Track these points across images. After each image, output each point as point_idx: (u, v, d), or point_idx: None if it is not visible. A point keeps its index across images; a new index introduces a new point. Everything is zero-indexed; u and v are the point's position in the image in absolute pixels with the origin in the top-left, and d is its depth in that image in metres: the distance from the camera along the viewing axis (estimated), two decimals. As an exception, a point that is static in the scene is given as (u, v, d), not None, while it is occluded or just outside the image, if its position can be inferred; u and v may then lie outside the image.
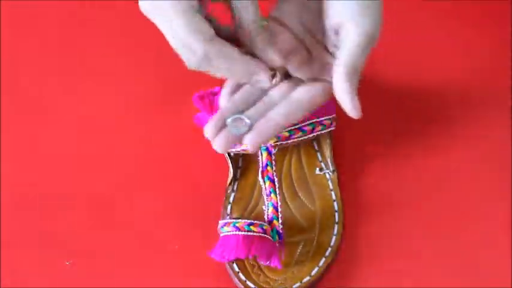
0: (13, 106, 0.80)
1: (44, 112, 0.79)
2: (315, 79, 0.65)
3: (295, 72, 0.66)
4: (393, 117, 0.77)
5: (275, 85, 0.64)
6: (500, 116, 0.78)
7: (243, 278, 0.69)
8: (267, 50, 0.62)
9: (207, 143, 0.72)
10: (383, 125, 0.77)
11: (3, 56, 0.83)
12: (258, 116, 0.64)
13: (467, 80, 0.80)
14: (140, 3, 0.60)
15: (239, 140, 0.63)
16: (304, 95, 0.65)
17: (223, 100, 0.65)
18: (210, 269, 0.70)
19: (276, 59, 0.63)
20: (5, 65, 0.82)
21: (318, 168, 0.74)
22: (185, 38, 0.60)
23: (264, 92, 0.65)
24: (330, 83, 0.64)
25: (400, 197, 0.74)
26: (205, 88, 0.75)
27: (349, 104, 0.62)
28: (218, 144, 0.63)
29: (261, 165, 0.73)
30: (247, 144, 0.63)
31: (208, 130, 0.63)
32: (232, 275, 0.69)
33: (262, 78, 0.63)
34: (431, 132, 0.76)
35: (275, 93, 0.65)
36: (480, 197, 0.73)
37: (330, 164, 0.74)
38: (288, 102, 0.64)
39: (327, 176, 0.73)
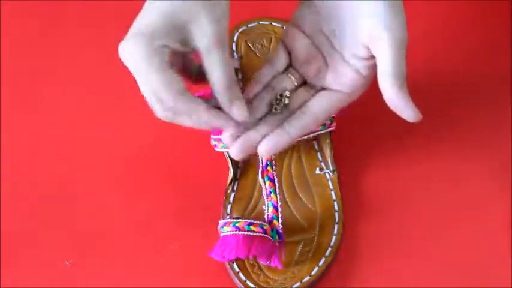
0: (13, 106, 0.80)
1: (43, 112, 0.79)
2: (330, 89, 0.67)
3: (311, 80, 0.68)
4: (393, 117, 0.76)
5: (281, 111, 0.66)
6: (500, 116, 0.77)
7: (243, 277, 0.69)
8: (232, 108, 0.63)
9: (207, 143, 0.72)
10: (383, 125, 0.77)
11: (3, 56, 0.83)
12: (274, 125, 0.66)
13: (467, 81, 0.80)
14: (119, 50, 0.62)
15: (255, 148, 0.65)
16: (319, 107, 0.67)
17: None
18: (210, 269, 0.70)
19: (239, 116, 0.63)
20: (5, 65, 0.82)
21: (318, 168, 0.74)
22: (157, 91, 0.61)
23: (281, 99, 0.67)
24: (345, 94, 0.66)
25: (400, 197, 0.74)
26: (206, 88, 0.75)
27: (407, 110, 0.63)
28: (235, 152, 0.65)
29: (261, 165, 0.73)
30: (260, 153, 0.65)
31: (226, 137, 0.65)
32: (232, 275, 0.69)
33: (230, 133, 0.65)
34: (431, 133, 0.76)
35: (292, 101, 0.67)
36: (480, 197, 0.73)
37: (330, 164, 0.74)
38: (304, 114, 0.66)
39: (327, 176, 0.73)
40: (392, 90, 0.63)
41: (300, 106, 0.67)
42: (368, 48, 0.64)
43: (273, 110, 0.67)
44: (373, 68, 0.65)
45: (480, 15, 0.84)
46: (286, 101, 0.67)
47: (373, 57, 0.64)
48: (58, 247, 0.72)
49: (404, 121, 0.76)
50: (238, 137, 0.65)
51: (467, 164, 0.75)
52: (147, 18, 0.62)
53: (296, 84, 0.68)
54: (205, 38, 0.62)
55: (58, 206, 0.74)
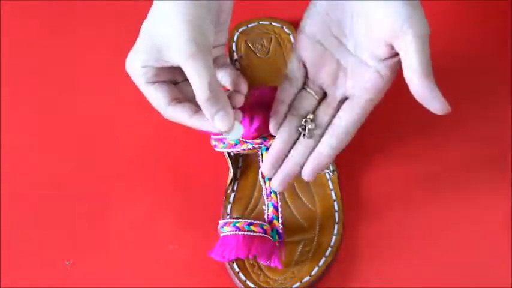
0: (13, 106, 0.80)
1: (43, 112, 0.79)
2: (352, 98, 0.66)
3: (330, 91, 0.67)
4: (393, 117, 0.76)
5: (310, 136, 0.67)
6: (500, 115, 0.77)
7: (243, 277, 0.69)
8: (213, 120, 0.63)
9: (207, 143, 0.73)
10: (383, 125, 0.77)
11: (3, 56, 0.83)
12: (308, 149, 0.67)
13: (467, 80, 0.80)
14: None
15: (296, 177, 0.67)
16: (347, 121, 0.66)
17: (273, 131, 0.68)
18: (210, 269, 0.70)
19: (221, 127, 0.63)
20: (5, 65, 0.82)
21: (318, 168, 0.74)
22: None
23: (310, 121, 0.67)
24: (367, 100, 0.65)
25: (400, 196, 0.74)
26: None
27: (435, 102, 0.63)
28: (276, 185, 0.67)
29: (261, 165, 0.73)
30: (306, 179, 0.67)
31: (266, 170, 0.67)
32: (232, 275, 0.69)
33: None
34: (431, 132, 0.76)
35: (319, 120, 0.67)
36: (480, 197, 0.73)
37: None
38: (335, 133, 0.66)
39: (327, 176, 0.73)
40: (420, 83, 0.62)
41: (328, 123, 0.67)
42: (389, 46, 0.63)
43: (302, 137, 0.67)
44: (393, 67, 0.64)
45: (480, 15, 0.84)
46: (312, 126, 0.67)
47: (394, 55, 0.63)
48: (58, 247, 0.72)
49: (404, 121, 0.77)
50: (277, 167, 0.67)
51: (467, 164, 0.75)
52: (139, 37, 0.64)
53: (317, 98, 0.68)
54: (179, 57, 0.61)
55: (58, 206, 0.74)
